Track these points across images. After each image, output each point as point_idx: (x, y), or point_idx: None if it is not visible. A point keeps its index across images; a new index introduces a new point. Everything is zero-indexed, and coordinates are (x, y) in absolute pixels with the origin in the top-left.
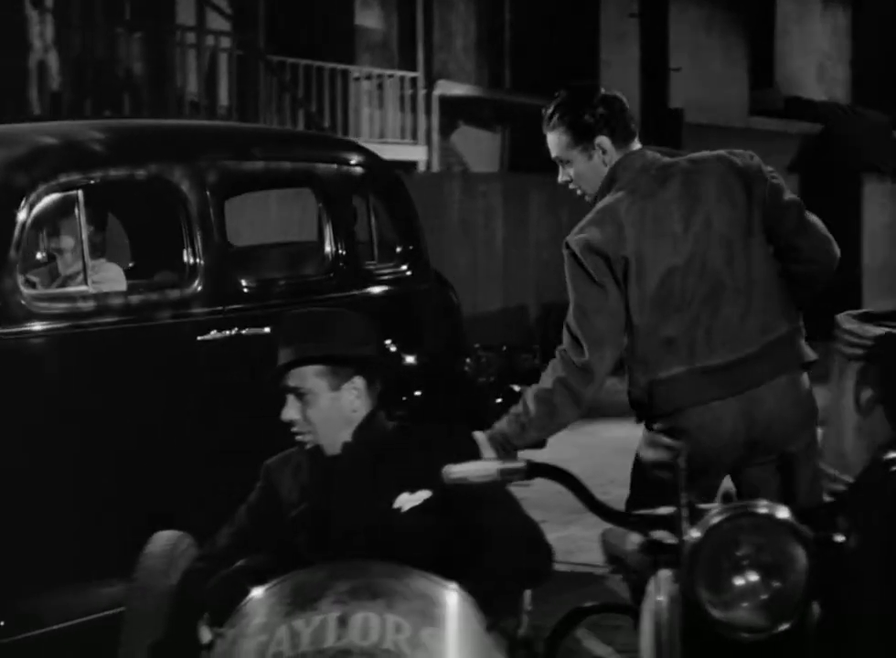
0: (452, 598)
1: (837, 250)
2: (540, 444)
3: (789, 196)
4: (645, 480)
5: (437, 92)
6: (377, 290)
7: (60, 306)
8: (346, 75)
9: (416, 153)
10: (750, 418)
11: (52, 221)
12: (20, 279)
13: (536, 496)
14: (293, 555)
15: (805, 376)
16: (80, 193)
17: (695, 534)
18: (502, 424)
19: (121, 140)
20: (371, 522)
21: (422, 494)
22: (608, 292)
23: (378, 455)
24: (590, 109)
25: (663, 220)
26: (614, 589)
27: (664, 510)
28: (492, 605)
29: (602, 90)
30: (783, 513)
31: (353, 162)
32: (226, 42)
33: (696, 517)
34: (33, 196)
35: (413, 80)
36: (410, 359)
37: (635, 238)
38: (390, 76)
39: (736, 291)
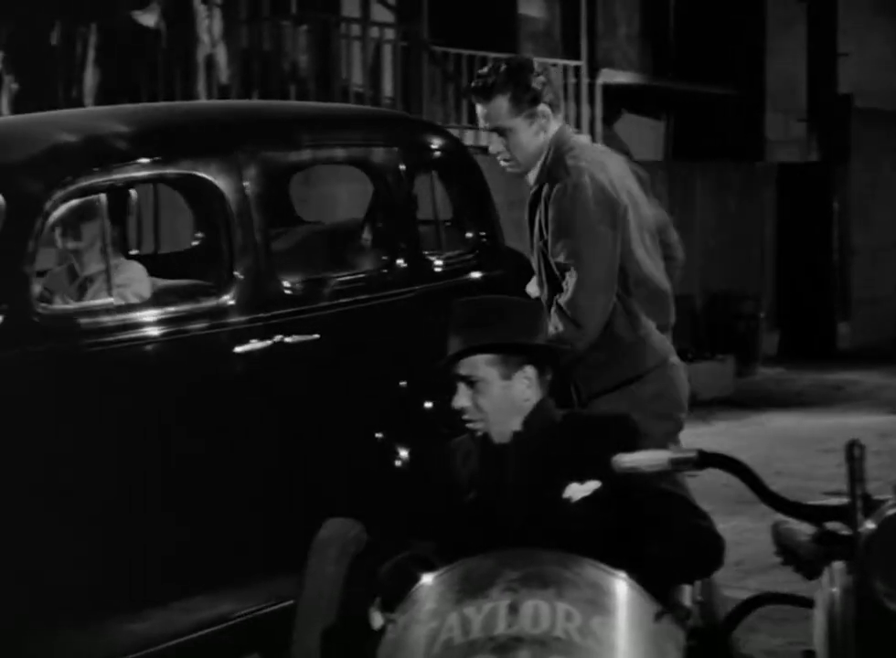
0: (621, 586)
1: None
2: None
3: None
4: None
5: (600, 81)
6: (441, 282)
7: (81, 322)
8: None
9: None
10: None
11: (71, 224)
12: (35, 293)
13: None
14: (461, 542)
15: None
16: (102, 196)
17: (870, 525)
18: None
19: (149, 132)
20: (539, 511)
21: (592, 485)
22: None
23: (547, 444)
24: (534, 76)
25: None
26: (785, 581)
27: (837, 501)
28: (662, 594)
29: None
30: None
31: (422, 143)
32: (390, 34)
33: (870, 508)
34: (49, 204)
35: (577, 69)
36: None
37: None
38: (554, 65)
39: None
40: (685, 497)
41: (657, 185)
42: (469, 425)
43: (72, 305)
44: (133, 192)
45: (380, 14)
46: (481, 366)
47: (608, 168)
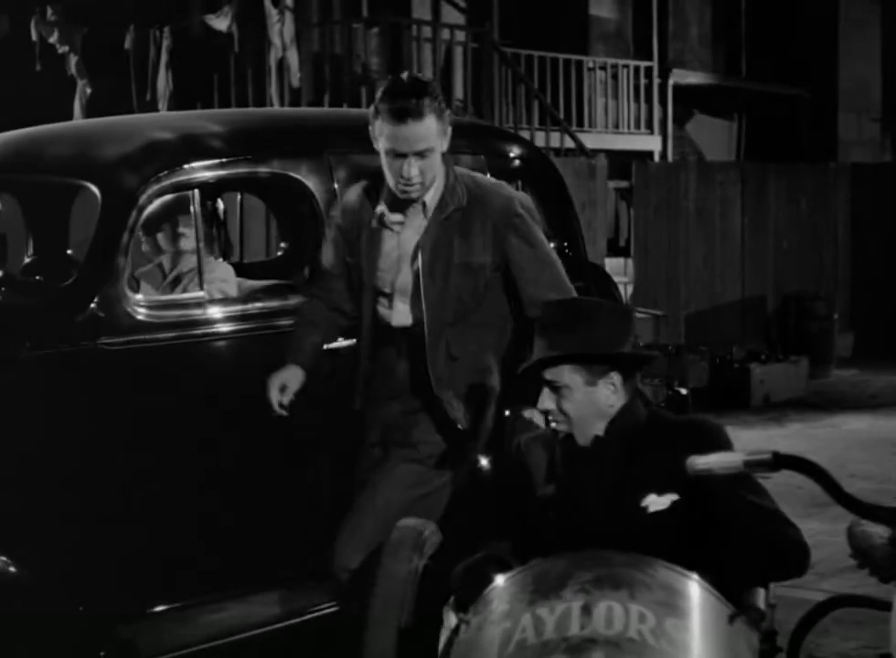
0: (694, 588)
1: None
2: None
3: None
4: None
5: (672, 81)
6: None
7: (171, 314)
8: (581, 65)
9: (651, 143)
10: None
11: (162, 219)
12: (127, 285)
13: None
14: (537, 543)
15: None
16: (195, 192)
17: None
18: None
19: (241, 133)
20: (615, 517)
21: (670, 497)
22: None
23: (629, 448)
24: (441, 95)
25: None
26: (859, 584)
27: None
28: (735, 596)
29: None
30: None
31: (506, 152)
32: (460, 35)
33: None
34: (144, 198)
35: (648, 70)
36: None
37: None
38: (625, 66)
39: None
40: (773, 506)
41: (729, 186)
42: (553, 425)
43: (164, 298)
44: (220, 201)
45: (451, 15)
46: (565, 373)
47: None
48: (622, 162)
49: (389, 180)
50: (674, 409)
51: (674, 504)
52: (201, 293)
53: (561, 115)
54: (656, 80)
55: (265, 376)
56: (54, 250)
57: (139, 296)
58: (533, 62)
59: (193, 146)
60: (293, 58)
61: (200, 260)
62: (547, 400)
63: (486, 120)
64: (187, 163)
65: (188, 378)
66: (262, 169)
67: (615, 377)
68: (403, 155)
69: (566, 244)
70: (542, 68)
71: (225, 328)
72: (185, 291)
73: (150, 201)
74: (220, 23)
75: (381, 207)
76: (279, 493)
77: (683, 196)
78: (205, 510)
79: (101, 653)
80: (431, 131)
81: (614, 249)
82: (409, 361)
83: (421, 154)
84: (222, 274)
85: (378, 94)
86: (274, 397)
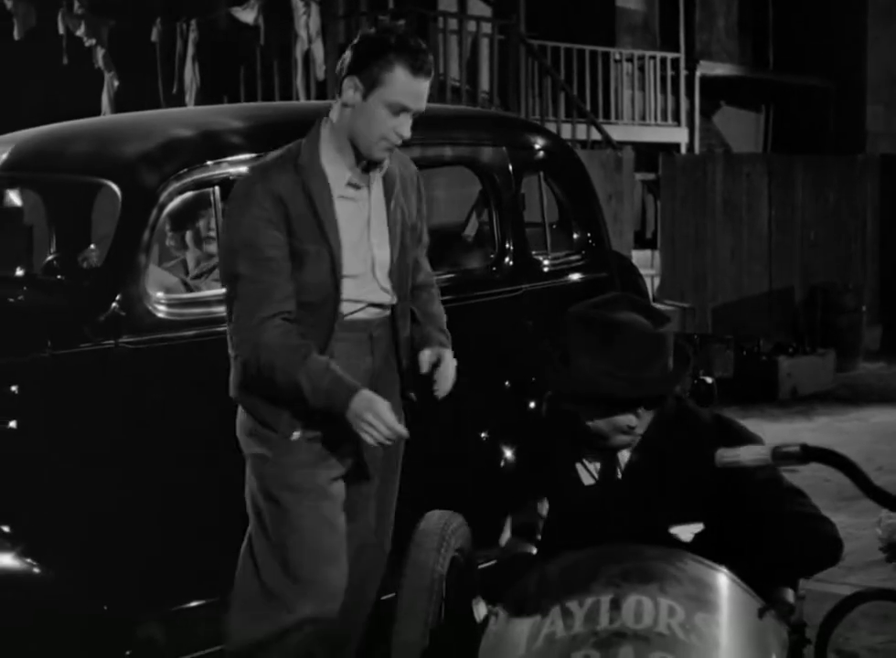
0: (724, 582)
1: None
2: None
3: None
4: None
5: (699, 73)
6: (547, 282)
7: (193, 312)
8: (607, 57)
9: (677, 135)
10: None
11: (184, 216)
12: (149, 283)
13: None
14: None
15: None
16: (216, 189)
17: None
18: None
19: (262, 128)
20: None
21: (694, 529)
22: None
23: (658, 450)
24: None
25: None
26: (888, 577)
27: None
28: (765, 590)
29: None
30: None
31: (529, 144)
32: (487, 27)
33: None
34: (164, 196)
35: (675, 61)
36: None
37: None
38: (651, 57)
39: None
40: (796, 494)
41: (756, 178)
42: (626, 440)
43: (185, 295)
44: None
45: (477, 7)
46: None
47: None
48: (648, 154)
49: (371, 136)
50: (700, 399)
51: (702, 533)
52: (222, 290)
53: (588, 107)
54: (683, 72)
55: None
56: (75, 249)
57: (160, 294)
58: (560, 54)
59: (214, 143)
60: (318, 50)
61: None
62: (632, 417)
63: (513, 112)
64: (208, 160)
65: (210, 376)
66: None
67: (642, 411)
68: (405, 111)
69: (589, 235)
70: (569, 60)
71: None
72: (206, 287)
73: (171, 199)
74: (247, 15)
75: (349, 174)
76: None
77: (710, 188)
78: (227, 508)
79: (127, 653)
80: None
81: (641, 242)
82: (374, 354)
83: (414, 114)
84: None
85: (388, 42)
86: (399, 427)
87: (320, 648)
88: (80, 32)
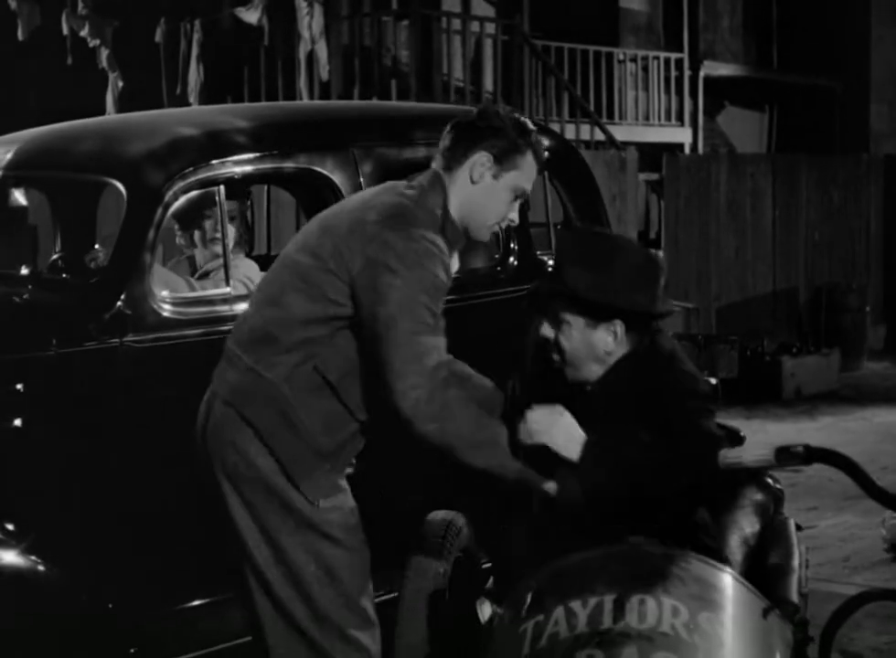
0: (728, 582)
1: None
2: None
3: None
4: None
5: (703, 73)
6: None
7: (197, 311)
8: (611, 57)
9: (681, 135)
10: None
11: (191, 216)
12: (154, 282)
13: (807, 482)
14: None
15: None
16: (220, 188)
17: None
18: None
19: (266, 128)
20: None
21: None
22: None
23: (620, 395)
24: None
25: None
26: (892, 577)
27: None
28: (768, 589)
29: None
30: None
31: None
32: (490, 28)
33: None
34: (169, 195)
35: (679, 61)
36: None
37: None
38: (655, 58)
39: None
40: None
41: (760, 178)
42: (551, 355)
43: (190, 294)
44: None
45: (481, 8)
46: (569, 309)
47: None
48: (652, 154)
49: (489, 217)
50: None
51: None
52: (227, 289)
53: (592, 107)
54: (687, 72)
55: None
56: (81, 248)
57: (165, 292)
58: (563, 54)
59: (219, 142)
60: (322, 50)
61: (227, 257)
62: (546, 329)
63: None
64: (213, 159)
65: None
66: (288, 164)
67: (619, 326)
68: (518, 198)
69: None
70: (572, 60)
71: None
72: (212, 286)
73: (176, 198)
74: (250, 15)
75: (454, 255)
76: None
77: (714, 188)
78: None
79: (132, 650)
80: None
81: (645, 242)
82: None
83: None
84: (247, 270)
85: (518, 130)
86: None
87: None
88: (83, 32)
